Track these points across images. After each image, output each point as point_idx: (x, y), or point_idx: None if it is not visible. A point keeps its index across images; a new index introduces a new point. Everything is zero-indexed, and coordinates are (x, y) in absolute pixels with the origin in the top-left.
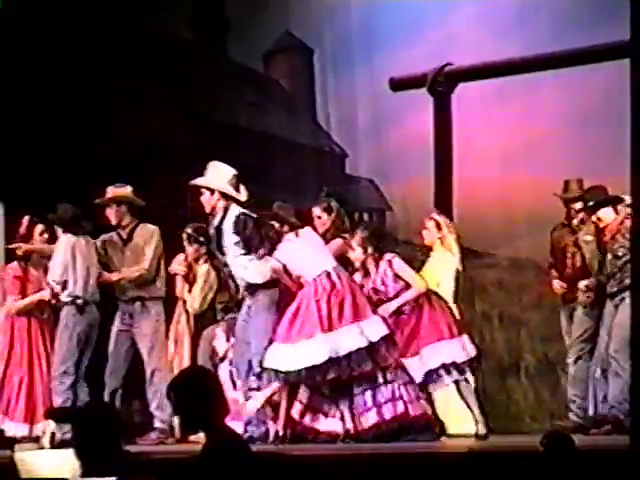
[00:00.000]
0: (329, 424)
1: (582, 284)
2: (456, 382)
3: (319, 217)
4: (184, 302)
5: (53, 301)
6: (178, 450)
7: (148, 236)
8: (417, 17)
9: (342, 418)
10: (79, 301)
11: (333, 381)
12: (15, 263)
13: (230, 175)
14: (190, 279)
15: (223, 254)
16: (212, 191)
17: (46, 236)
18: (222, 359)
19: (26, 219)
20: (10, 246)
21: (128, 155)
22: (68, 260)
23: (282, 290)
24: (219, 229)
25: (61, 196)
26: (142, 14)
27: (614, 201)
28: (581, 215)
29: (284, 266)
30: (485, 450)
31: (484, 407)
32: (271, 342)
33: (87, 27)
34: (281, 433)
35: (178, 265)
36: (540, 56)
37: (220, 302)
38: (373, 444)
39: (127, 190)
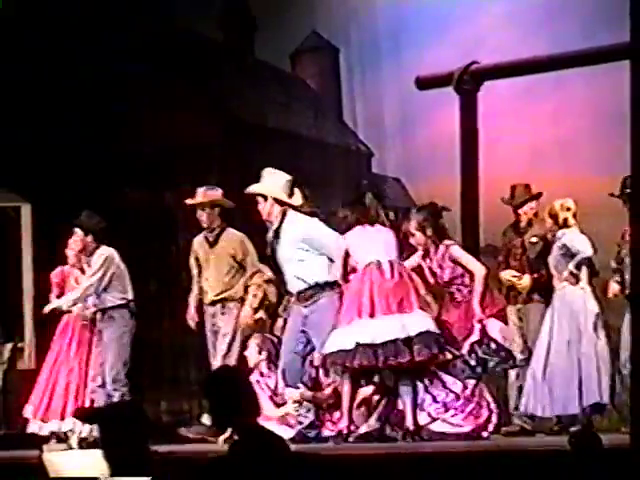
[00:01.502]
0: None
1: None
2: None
3: None
4: None
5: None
6: (207, 450)
7: (237, 244)
8: (444, 15)
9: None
10: (132, 304)
11: (367, 369)
12: (59, 268)
13: (283, 181)
14: None
15: (275, 258)
16: (265, 198)
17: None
18: (251, 370)
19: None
20: None
21: (155, 155)
22: (121, 267)
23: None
24: (277, 233)
25: (88, 197)
26: (170, 15)
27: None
28: (527, 218)
29: (346, 251)
30: (514, 449)
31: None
32: None
33: (115, 27)
34: (345, 432)
35: None
36: (567, 54)
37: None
38: (404, 443)
39: (218, 193)
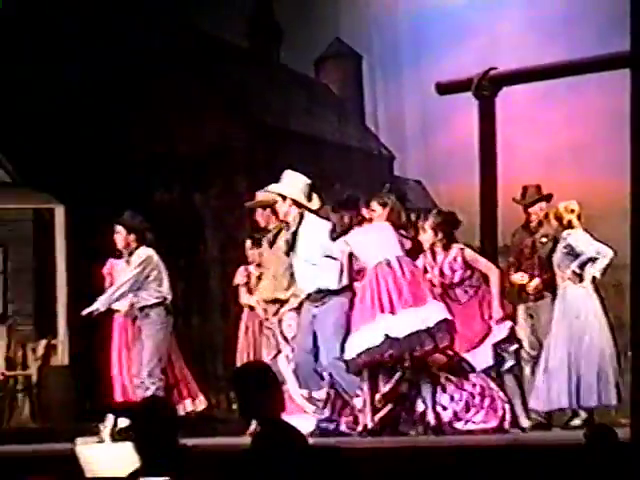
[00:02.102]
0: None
1: None
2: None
3: (373, 210)
4: (250, 308)
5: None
6: (232, 443)
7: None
8: (463, 22)
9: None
10: (167, 302)
11: (394, 361)
12: (109, 261)
13: (303, 184)
14: (251, 284)
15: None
16: (284, 198)
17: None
18: (279, 351)
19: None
20: None
21: (184, 158)
22: (161, 266)
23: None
24: (294, 235)
25: (119, 198)
26: (200, 22)
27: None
28: (538, 218)
29: (350, 253)
30: (526, 443)
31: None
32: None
33: (147, 37)
34: (370, 425)
35: (241, 277)
36: (583, 60)
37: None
38: (424, 437)
39: (272, 195)
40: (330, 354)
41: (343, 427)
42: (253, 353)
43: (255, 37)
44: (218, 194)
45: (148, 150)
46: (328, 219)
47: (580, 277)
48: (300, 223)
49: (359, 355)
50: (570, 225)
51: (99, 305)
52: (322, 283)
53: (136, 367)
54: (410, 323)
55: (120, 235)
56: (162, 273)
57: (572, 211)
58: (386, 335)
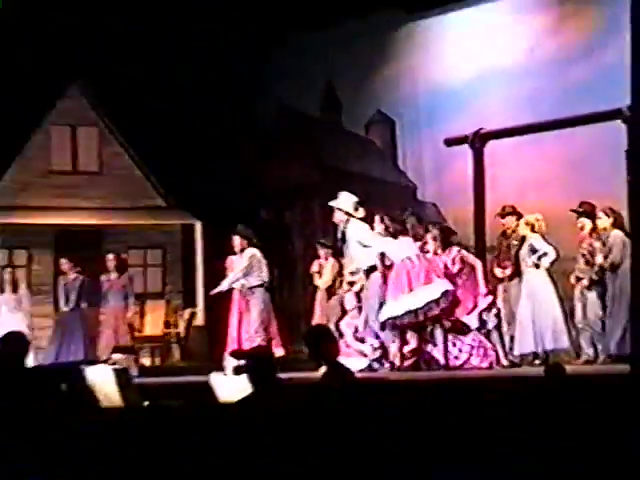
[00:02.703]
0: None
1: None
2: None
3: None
4: (319, 288)
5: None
6: (311, 377)
7: None
8: (462, 97)
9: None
10: (266, 284)
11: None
12: (229, 257)
13: (351, 200)
14: (321, 272)
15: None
16: (339, 209)
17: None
18: (345, 314)
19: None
20: None
21: (279, 190)
22: (262, 260)
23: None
24: (343, 234)
25: (237, 216)
26: (284, 100)
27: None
28: (511, 228)
29: (383, 252)
30: (506, 375)
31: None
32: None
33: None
34: (398, 364)
35: (315, 267)
36: (543, 122)
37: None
38: (439, 372)
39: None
40: (370, 317)
41: (386, 365)
42: (322, 318)
43: (324, 109)
44: (300, 213)
45: (255, 184)
46: (369, 223)
47: (537, 266)
48: (346, 226)
49: (387, 320)
50: (537, 230)
51: (222, 286)
52: (363, 264)
53: (246, 326)
54: (424, 297)
55: (236, 240)
56: (263, 265)
57: (538, 220)
58: (406, 310)
